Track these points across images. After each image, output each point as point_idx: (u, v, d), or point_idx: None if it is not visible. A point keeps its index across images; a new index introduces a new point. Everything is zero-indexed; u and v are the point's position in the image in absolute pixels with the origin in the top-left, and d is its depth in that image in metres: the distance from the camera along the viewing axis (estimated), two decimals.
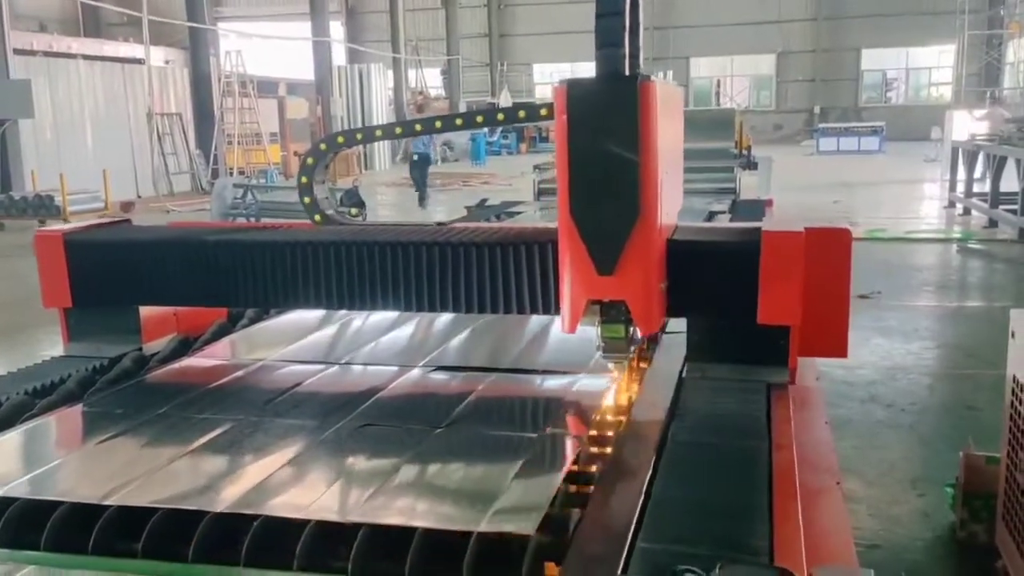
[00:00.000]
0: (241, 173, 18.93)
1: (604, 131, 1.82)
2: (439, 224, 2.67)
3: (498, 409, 2.07)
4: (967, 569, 2.98)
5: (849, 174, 19.06)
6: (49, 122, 16.11)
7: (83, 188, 13.98)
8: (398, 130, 3.25)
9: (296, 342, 2.68)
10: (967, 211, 12.29)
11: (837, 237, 2.39)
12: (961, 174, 12.54)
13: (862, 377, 4.87)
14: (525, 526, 1.39)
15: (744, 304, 2.08)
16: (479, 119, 3.04)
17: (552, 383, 2.23)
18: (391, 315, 2.86)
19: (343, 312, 2.87)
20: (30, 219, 13.04)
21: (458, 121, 3.03)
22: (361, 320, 2.91)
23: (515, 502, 1.51)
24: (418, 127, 3.39)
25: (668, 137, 2.07)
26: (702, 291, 2.11)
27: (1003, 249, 9.72)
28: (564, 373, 2.28)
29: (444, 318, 2.85)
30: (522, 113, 3.04)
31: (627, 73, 1.90)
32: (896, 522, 3.26)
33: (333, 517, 1.43)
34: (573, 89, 1.84)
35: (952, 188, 12.99)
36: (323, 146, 3.03)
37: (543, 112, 2.75)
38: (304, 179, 2.95)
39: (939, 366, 5.18)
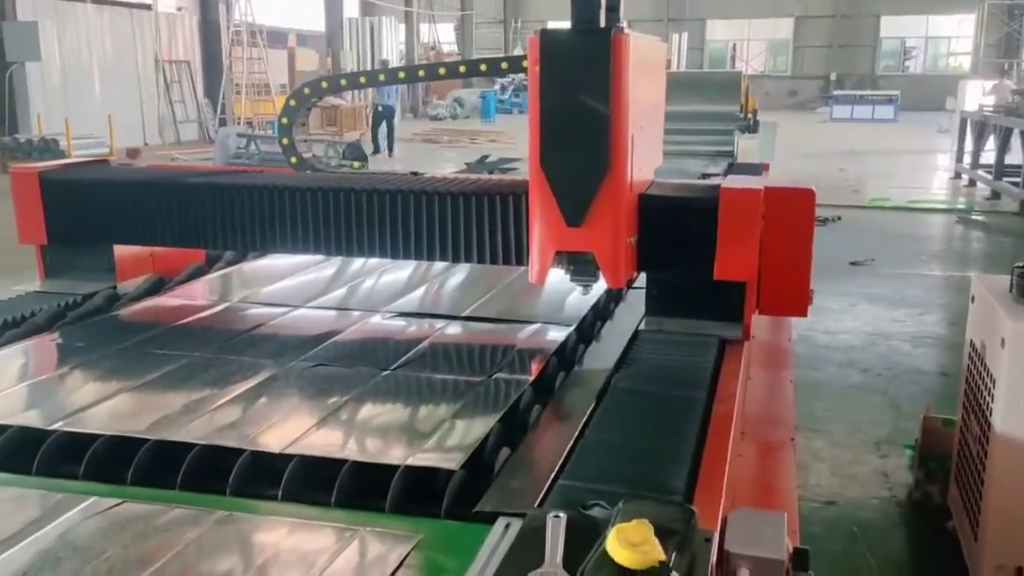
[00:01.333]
0: (248, 123, 18.89)
1: (576, 83, 1.84)
2: (414, 174, 2.70)
3: (450, 355, 2.12)
4: (919, 528, 3.04)
5: (860, 142, 18.91)
6: (56, 66, 16.07)
7: (89, 133, 14.00)
8: (381, 77, 3.26)
9: (268, 285, 2.73)
10: (972, 182, 12.21)
11: (801, 197, 2.40)
12: (969, 145, 12.43)
13: (843, 342, 4.91)
14: (450, 462, 1.44)
15: (704, 260, 2.11)
16: (462, 69, 3.04)
17: (509, 331, 2.27)
18: (364, 261, 2.91)
19: (319, 258, 2.91)
20: (35, 162, 13.10)
21: (441, 71, 3.02)
22: (335, 267, 2.95)
23: (446, 441, 1.56)
24: (401, 75, 3.39)
25: (644, 92, 2.09)
26: (665, 246, 2.13)
27: (1003, 221, 9.69)
28: (521, 322, 2.32)
29: (416, 266, 2.89)
30: (505, 64, 3.04)
31: (602, 25, 1.91)
32: (855, 480, 3.31)
33: (269, 448, 1.49)
34: (547, 40, 1.85)
35: (959, 159, 12.89)
36: (307, 91, 3.04)
37: (525, 64, 2.76)
38: (285, 120, 2.97)
39: (921, 333, 5.20)
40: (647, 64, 2.17)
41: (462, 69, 2.78)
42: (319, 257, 2.91)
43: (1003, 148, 10.76)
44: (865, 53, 34.45)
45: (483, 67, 2.80)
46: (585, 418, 1.69)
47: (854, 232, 8.32)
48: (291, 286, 2.77)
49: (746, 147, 7.52)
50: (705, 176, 5.41)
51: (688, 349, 2.11)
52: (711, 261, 2.12)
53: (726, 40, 36.00)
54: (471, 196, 2.21)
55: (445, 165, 14.57)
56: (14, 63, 13.91)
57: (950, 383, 4.27)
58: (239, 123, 18.48)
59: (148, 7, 19.79)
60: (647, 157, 2.30)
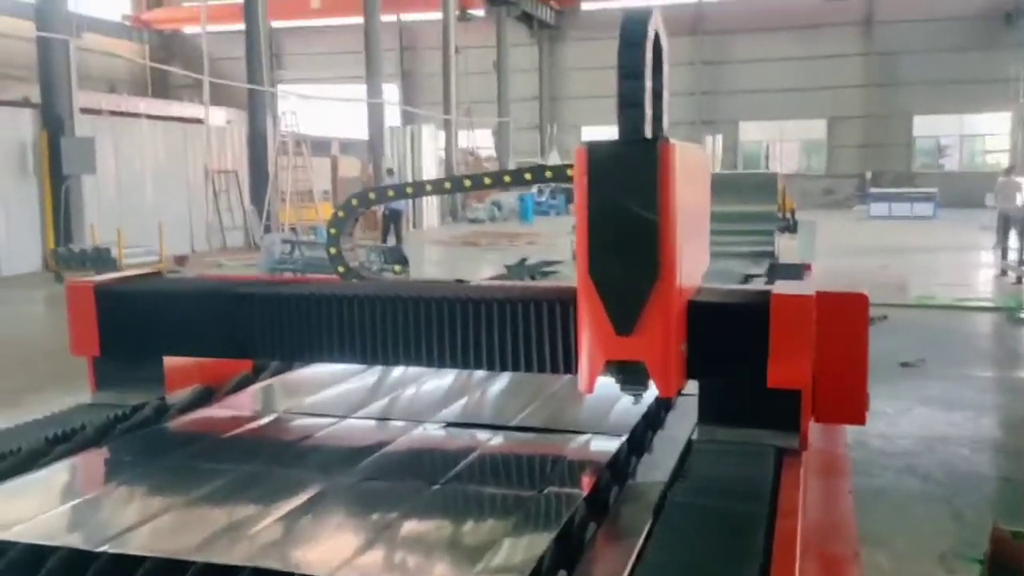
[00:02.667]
0: (292, 229, 19.34)
1: (623, 192, 1.85)
2: (459, 281, 2.71)
3: (499, 467, 2.08)
4: None
5: (901, 239, 18.80)
6: (111, 178, 16.71)
7: (140, 242, 14.42)
8: (428, 187, 3.31)
9: (314, 394, 2.72)
10: (1020, 279, 12.02)
11: (853, 301, 2.36)
12: (1014, 242, 12.29)
13: (900, 447, 4.76)
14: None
15: (756, 367, 2.07)
16: (507, 179, 3.09)
17: (558, 442, 2.23)
18: (409, 369, 2.89)
19: (363, 366, 2.91)
20: (88, 271, 13.46)
21: (487, 180, 3.08)
22: (377, 374, 2.95)
23: (501, 561, 1.51)
24: (447, 185, 3.46)
25: (691, 198, 2.09)
26: (715, 353, 2.10)
27: None
28: (572, 432, 2.27)
29: (460, 373, 2.87)
30: (548, 173, 3.09)
31: (649, 135, 1.94)
32: None
33: (317, 572, 1.45)
34: (593, 151, 1.88)
35: (1004, 256, 12.72)
36: (354, 202, 3.10)
37: (569, 173, 2.80)
38: (333, 231, 3.02)
39: (979, 437, 5.02)
40: (692, 170, 2.18)
41: (507, 179, 2.82)
42: (362, 365, 2.91)
43: None
44: (900, 151, 34.66)
45: (527, 176, 2.84)
46: (643, 536, 1.63)
47: (902, 331, 8.18)
48: (336, 394, 2.75)
49: (786, 247, 7.49)
50: (747, 277, 5.39)
51: (745, 460, 2.04)
52: (764, 368, 2.08)
53: (759, 140, 36.49)
54: (517, 303, 2.20)
55: (484, 267, 14.72)
56: (70, 176, 14.48)
57: (1014, 490, 4.10)
58: (283, 229, 18.94)
59: (200, 121, 20.65)
60: (694, 263, 2.29)
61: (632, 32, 2.01)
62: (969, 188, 30.30)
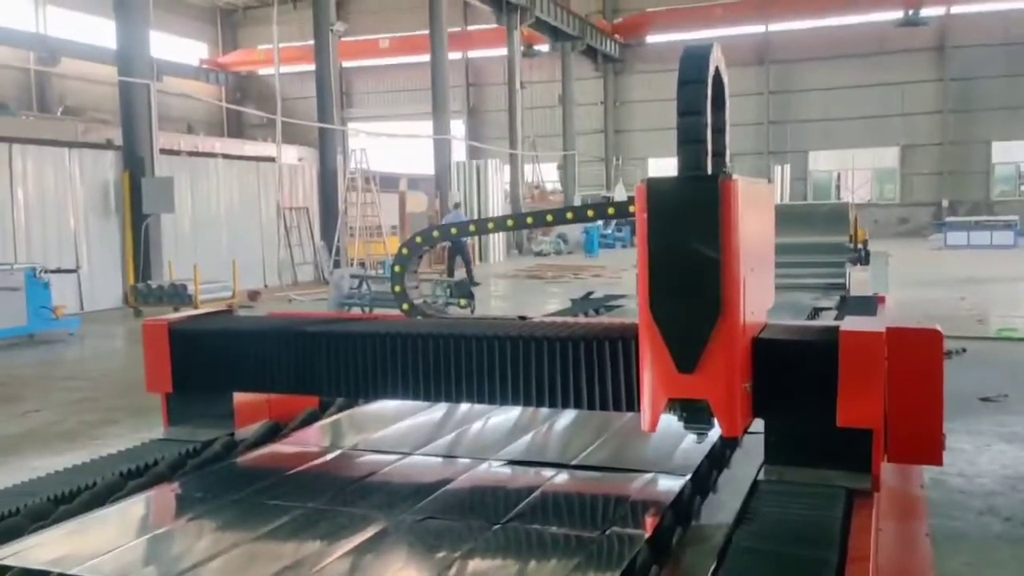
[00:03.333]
0: (361, 264, 19.66)
1: (685, 229, 1.85)
2: (521, 318, 2.72)
3: (560, 506, 2.06)
4: None
5: (979, 270, 18.18)
6: (188, 215, 17.26)
7: (215, 277, 14.82)
8: (490, 225, 3.35)
9: (379, 431, 2.75)
10: None
11: (926, 337, 2.30)
12: None
13: (981, 487, 4.56)
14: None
15: (825, 406, 2.02)
16: (569, 215, 3.11)
17: (620, 481, 2.20)
18: (475, 406, 2.90)
19: (427, 403, 2.93)
20: (165, 307, 13.88)
21: (548, 217, 3.10)
22: (442, 410, 2.96)
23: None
24: (510, 223, 3.49)
25: (754, 233, 2.07)
26: (783, 391, 2.06)
27: None
28: (634, 471, 2.25)
29: (525, 410, 2.87)
30: (611, 210, 3.10)
31: (710, 171, 1.93)
32: None
33: None
34: (654, 187, 1.88)
35: None
36: (419, 239, 3.15)
37: (631, 208, 2.80)
38: (398, 268, 3.07)
39: None
40: (755, 205, 2.16)
41: (569, 216, 2.84)
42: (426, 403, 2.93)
43: None
44: (978, 179, 33.65)
45: (590, 213, 2.85)
46: None
47: (982, 365, 7.87)
48: (400, 431, 2.78)
49: (859, 279, 7.31)
50: (817, 311, 5.28)
51: (813, 502, 1.99)
52: (833, 407, 2.03)
53: (829, 170, 35.84)
54: (580, 341, 2.20)
55: (549, 301, 14.72)
56: (150, 215, 15.00)
57: None
58: (352, 264, 19.25)
59: (273, 159, 21.23)
60: (759, 299, 2.25)
61: (690, 68, 2.01)
62: None
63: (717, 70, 2.12)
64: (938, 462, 2.33)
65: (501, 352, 2.25)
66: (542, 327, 2.34)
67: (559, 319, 2.72)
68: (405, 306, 2.92)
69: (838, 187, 35.65)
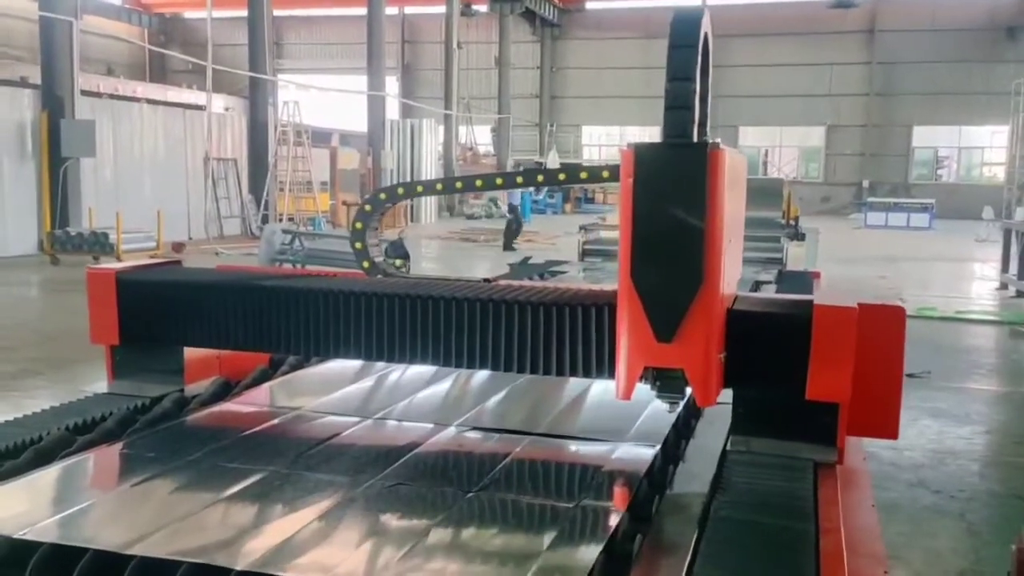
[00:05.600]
0: (291, 220, 19.26)
1: (670, 196, 1.80)
2: (486, 280, 2.66)
3: (534, 474, 2.03)
4: None
5: (897, 249, 18.83)
6: (109, 162, 16.59)
7: (138, 228, 14.31)
8: (458, 184, 3.27)
9: (335, 392, 2.67)
10: (1020, 294, 12.03)
11: (891, 315, 2.33)
12: (1015, 255, 12.30)
13: (910, 460, 4.73)
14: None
15: (795, 379, 2.03)
16: (539, 178, 3.04)
17: (591, 449, 2.18)
18: (431, 369, 2.84)
19: (383, 364, 2.86)
20: (84, 255, 13.35)
21: (519, 179, 3.03)
22: (401, 372, 2.89)
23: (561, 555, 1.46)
24: (478, 183, 3.41)
25: (732, 205, 2.05)
26: (754, 362, 2.06)
27: None
28: (604, 440, 2.23)
29: (484, 375, 2.82)
30: (584, 174, 3.04)
31: (694, 139, 1.89)
32: None
33: None
34: (641, 153, 1.83)
35: (1004, 269, 12.74)
36: (383, 195, 3.05)
37: (605, 174, 2.75)
38: (359, 224, 2.97)
39: (989, 452, 5.00)
40: (734, 177, 2.14)
41: (539, 178, 2.78)
42: (383, 363, 2.85)
43: None
44: (898, 162, 34.74)
45: (561, 176, 2.80)
46: (691, 551, 1.59)
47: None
48: (358, 392, 2.70)
49: (795, 254, 7.46)
50: (758, 284, 5.35)
51: (784, 473, 2.00)
52: (802, 380, 2.04)
53: (758, 146, 36.49)
54: (551, 307, 2.16)
55: (483, 264, 14.67)
56: (69, 159, 14.36)
57: None
58: (281, 219, 18.84)
59: (199, 107, 20.52)
60: (733, 271, 2.24)
61: (682, 33, 1.96)
62: (966, 200, 30.41)
63: (706, 36, 2.08)
64: (894, 436, 2.38)
65: (471, 315, 2.19)
66: (512, 291, 2.29)
67: (526, 283, 2.68)
68: (366, 263, 2.83)
69: (765, 164, 36.35)
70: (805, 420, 2.12)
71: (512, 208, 19.02)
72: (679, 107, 1.90)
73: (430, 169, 26.23)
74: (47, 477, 1.86)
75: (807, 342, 2.03)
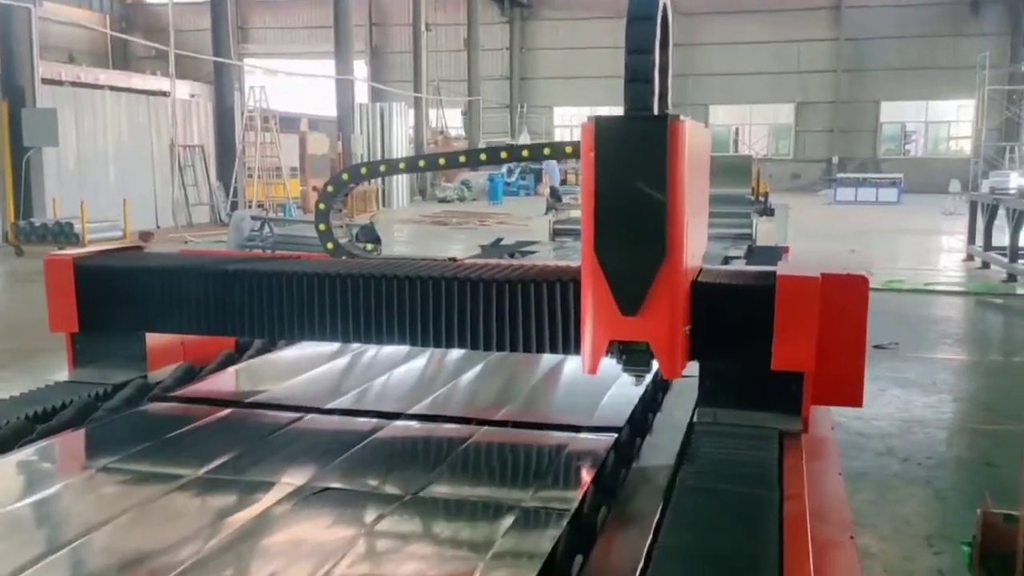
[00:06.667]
0: (260, 206, 19.08)
1: (632, 169, 1.79)
2: (452, 260, 2.64)
3: (505, 455, 2.02)
4: None
5: (867, 224, 19.02)
6: (73, 151, 16.32)
7: (104, 217, 14.12)
8: (421, 163, 3.24)
9: (302, 375, 2.64)
10: (986, 265, 12.19)
11: (854, 284, 2.35)
12: (980, 227, 12.47)
13: (878, 429, 4.79)
14: (525, 572, 1.33)
15: (760, 349, 2.04)
16: (503, 155, 3.01)
17: (553, 434, 2.16)
18: (399, 351, 2.82)
19: (353, 345, 2.83)
20: (49, 245, 13.16)
21: (482, 156, 3.01)
22: (372, 354, 2.87)
23: (514, 550, 1.46)
24: (441, 161, 3.38)
25: (696, 178, 2.05)
26: (719, 334, 2.06)
27: (1022, 304, 9.62)
28: (565, 428, 2.20)
29: (451, 358, 2.80)
30: (547, 150, 3.02)
31: (655, 112, 1.88)
32: None
33: None
34: (602, 126, 1.81)
35: (971, 241, 12.91)
36: (345, 176, 3.02)
37: (568, 150, 2.73)
38: (322, 206, 2.94)
39: (956, 420, 5.08)
40: (698, 150, 2.13)
41: (503, 155, 2.76)
42: (353, 345, 2.83)
43: (1017, 231, 10.77)
44: (866, 137, 35.03)
45: (525, 153, 2.78)
46: (656, 520, 1.59)
47: (873, 314, 8.21)
48: (321, 377, 2.67)
49: (764, 230, 7.51)
50: (727, 259, 5.38)
51: (750, 443, 2.01)
52: (767, 351, 2.05)
53: (728, 124, 36.62)
54: (517, 283, 2.15)
55: (455, 246, 14.63)
56: (31, 148, 14.12)
57: (995, 474, 4.14)
58: (251, 206, 18.67)
59: (165, 94, 20.23)
60: (698, 243, 2.24)
61: (641, 4, 1.95)
62: (933, 174, 30.78)
63: (665, 8, 2.07)
64: (859, 404, 2.40)
65: (436, 293, 2.17)
66: (478, 269, 2.28)
67: (492, 261, 2.66)
68: (330, 245, 2.80)
69: (736, 141, 36.50)
70: (771, 390, 2.13)
71: (553, 191, 18.67)
72: (639, 80, 1.89)
73: (401, 153, 26.07)
74: (4, 466, 1.83)
75: (771, 313, 2.04)
